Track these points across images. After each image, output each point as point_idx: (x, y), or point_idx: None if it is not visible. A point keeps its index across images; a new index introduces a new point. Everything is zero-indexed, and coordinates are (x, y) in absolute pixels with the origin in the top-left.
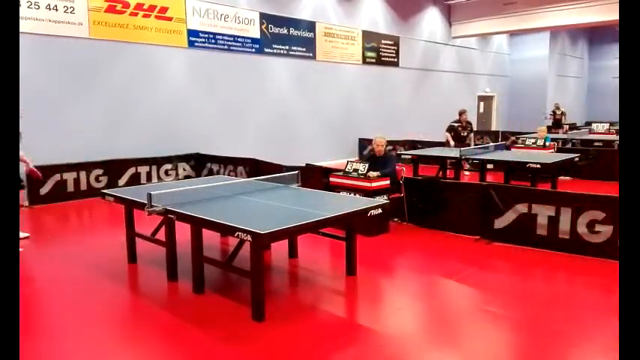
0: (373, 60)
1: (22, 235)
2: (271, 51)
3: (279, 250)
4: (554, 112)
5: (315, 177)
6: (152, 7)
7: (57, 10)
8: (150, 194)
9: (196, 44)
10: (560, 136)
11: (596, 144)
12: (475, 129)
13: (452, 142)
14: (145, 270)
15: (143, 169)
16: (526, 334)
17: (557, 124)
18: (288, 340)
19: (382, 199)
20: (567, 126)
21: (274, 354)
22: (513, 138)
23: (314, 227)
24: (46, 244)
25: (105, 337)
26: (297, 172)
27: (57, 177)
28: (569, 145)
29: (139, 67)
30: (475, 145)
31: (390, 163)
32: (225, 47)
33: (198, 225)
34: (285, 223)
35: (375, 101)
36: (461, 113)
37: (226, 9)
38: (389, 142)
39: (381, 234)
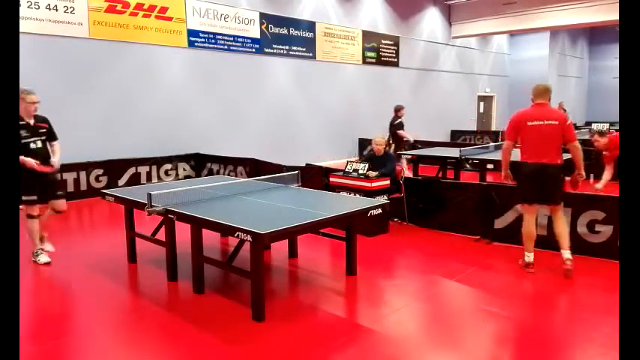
0: (373, 60)
1: (49, 248)
2: (271, 51)
3: (279, 250)
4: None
5: (315, 177)
6: (152, 7)
7: (57, 10)
8: (150, 194)
9: (196, 44)
10: None
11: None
12: (475, 128)
13: (410, 138)
14: (145, 270)
15: (143, 169)
16: (526, 334)
17: None
18: (288, 340)
19: (382, 199)
20: None
21: (274, 354)
22: None
23: (314, 227)
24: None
25: (105, 337)
26: (297, 172)
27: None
28: None
29: (139, 67)
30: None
31: (390, 163)
32: (225, 47)
33: (198, 225)
34: (285, 223)
35: (375, 101)
36: (399, 109)
37: (226, 9)
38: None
39: (381, 234)
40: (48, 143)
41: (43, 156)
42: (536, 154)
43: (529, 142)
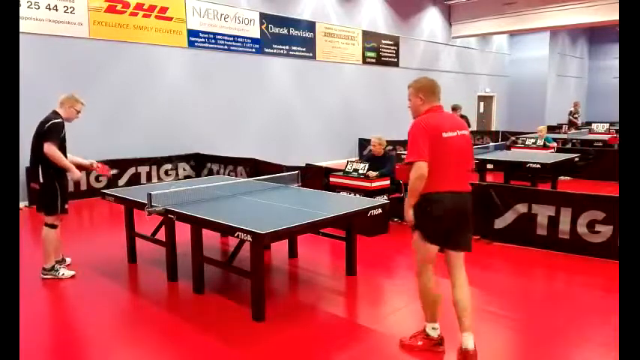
0: (373, 60)
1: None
2: (271, 51)
3: (279, 250)
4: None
5: (315, 177)
6: (152, 7)
7: (57, 10)
8: (150, 194)
9: (196, 44)
10: (561, 135)
11: (596, 144)
12: (475, 128)
13: None
14: (145, 270)
15: (143, 169)
16: (526, 334)
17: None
18: (288, 341)
19: (382, 199)
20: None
21: (274, 354)
22: (513, 138)
23: (314, 227)
24: None
25: (105, 337)
26: (297, 172)
27: None
28: (569, 145)
29: (139, 67)
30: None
31: (389, 163)
32: (225, 47)
33: (198, 225)
34: (285, 223)
35: (375, 101)
36: (454, 109)
37: (226, 9)
38: (388, 142)
39: (381, 234)
40: None
41: None
42: (454, 179)
43: (445, 162)
